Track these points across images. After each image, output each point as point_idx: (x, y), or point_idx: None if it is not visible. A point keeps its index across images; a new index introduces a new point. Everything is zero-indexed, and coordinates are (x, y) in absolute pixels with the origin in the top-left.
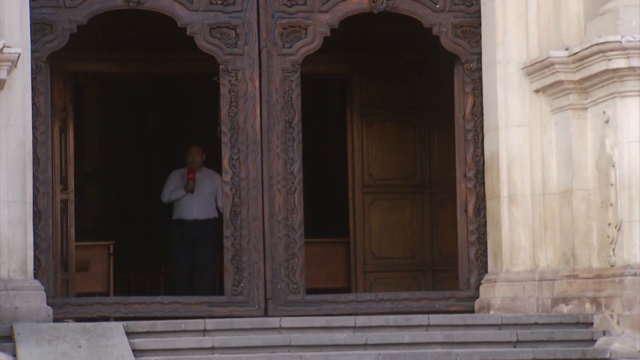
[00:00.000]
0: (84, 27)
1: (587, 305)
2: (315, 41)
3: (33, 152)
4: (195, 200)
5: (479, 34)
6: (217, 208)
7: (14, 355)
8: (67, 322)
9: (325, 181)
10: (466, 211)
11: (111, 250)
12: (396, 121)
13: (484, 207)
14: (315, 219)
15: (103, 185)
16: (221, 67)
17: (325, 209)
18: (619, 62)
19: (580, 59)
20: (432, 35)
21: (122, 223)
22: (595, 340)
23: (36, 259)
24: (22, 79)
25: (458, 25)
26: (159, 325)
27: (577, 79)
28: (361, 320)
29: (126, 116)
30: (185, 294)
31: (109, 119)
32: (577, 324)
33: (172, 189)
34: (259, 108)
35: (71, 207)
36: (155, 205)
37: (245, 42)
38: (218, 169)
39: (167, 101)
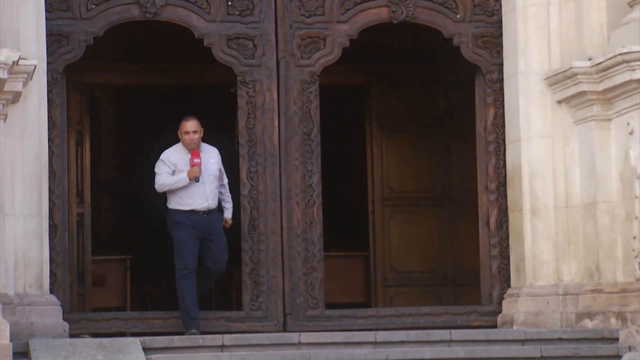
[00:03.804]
0: (100, 39)
1: (612, 320)
2: (334, 52)
3: (49, 165)
4: (206, 186)
5: (500, 44)
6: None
7: None
8: (84, 337)
9: (344, 194)
10: (488, 224)
11: (128, 265)
12: (416, 132)
13: (506, 220)
14: (334, 232)
15: (119, 197)
16: (239, 78)
17: (345, 222)
18: None
19: (604, 69)
20: (453, 46)
21: (138, 236)
22: (621, 357)
23: (52, 273)
24: (38, 91)
25: (479, 35)
26: (177, 340)
27: (600, 89)
28: (382, 335)
29: (142, 128)
30: (192, 300)
31: (125, 131)
32: (602, 339)
33: (170, 176)
34: (277, 120)
35: (87, 221)
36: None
37: (262, 53)
38: (233, 179)
39: (184, 113)
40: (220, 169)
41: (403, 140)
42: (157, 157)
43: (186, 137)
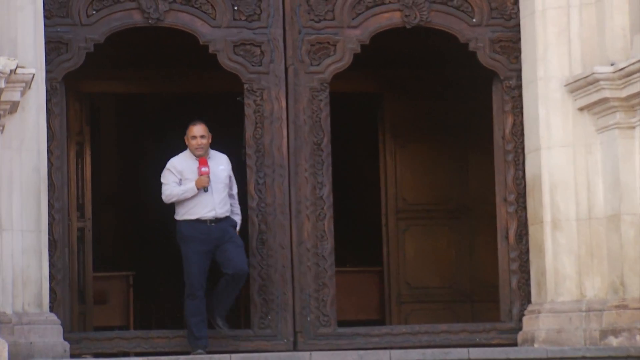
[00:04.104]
0: (101, 46)
1: (638, 338)
2: (345, 58)
3: (48, 178)
4: (214, 194)
5: (518, 50)
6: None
7: None
8: (85, 357)
9: (356, 206)
10: (507, 237)
11: (131, 281)
12: (430, 142)
13: (526, 233)
14: (346, 246)
15: (121, 211)
16: (245, 86)
17: (357, 236)
18: None
19: (627, 74)
20: (469, 51)
21: (142, 251)
22: None
23: (52, 291)
24: (36, 100)
25: (496, 40)
26: None
27: (623, 96)
28: (396, 354)
29: (145, 138)
30: (196, 319)
31: (127, 141)
32: (628, 357)
33: (177, 186)
34: (286, 129)
35: (88, 236)
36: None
37: (270, 59)
38: (240, 192)
39: (188, 122)
40: (230, 177)
41: (417, 150)
42: (161, 168)
43: (193, 142)
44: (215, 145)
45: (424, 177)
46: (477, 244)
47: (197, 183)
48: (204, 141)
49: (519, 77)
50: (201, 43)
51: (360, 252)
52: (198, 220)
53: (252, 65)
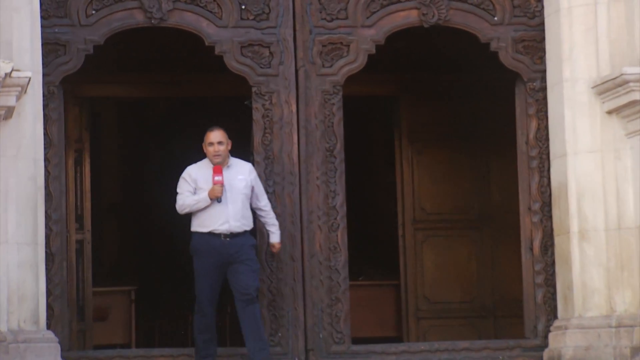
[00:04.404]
0: (101, 48)
1: None
2: (359, 59)
3: (45, 187)
4: (229, 205)
5: (543, 50)
6: (256, 211)
7: None
8: None
9: (371, 216)
10: (531, 249)
11: (133, 296)
12: (450, 148)
13: (552, 244)
14: (360, 259)
15: (124, 222)
16: (253, 89)
17: (372, 248)
18: None
19: None
20: (490, 52)
21: (145, 265)
22: None
23: (49, 307)
24: (32, 105)
25: (519, 39)
26: None
27: None
28: None
29: (149, 145)
30: (203, 337)
31: (130, 148)
32: None
33: (191, 195)
34: (297, 135)
35: (88, 248)
36: (184, 244)
37: (280, 61)
38: None
39: (194, 127)
40: (252, 187)
41: (436, 156)
42: (166, 176)
43: (210, 148)
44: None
45: (443, 185)
46: (500, 255)
47: (210, 193)
48: (222, 148)
49: (543, 79)
50: (207, 44)
51: (375, 265)
52: (211, 234)
53: (261, 67)
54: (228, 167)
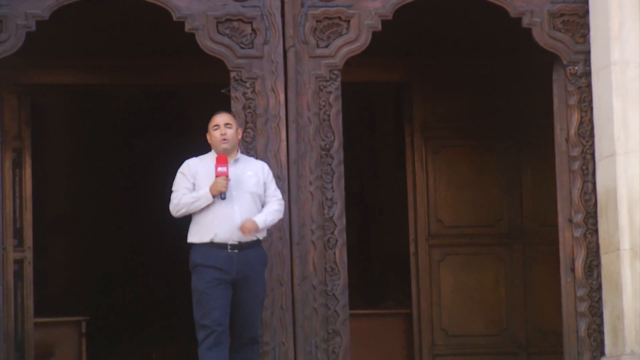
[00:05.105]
0: (47, 25)
1: None
2: (361, 38)
3: None
4: (235, 206)
5: (586, 26)
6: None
7: None
8: None
9: (376, 230)
10: (573, 270)
11: (83, 329)
12: (472, 146)
13: (598, 264)
14: (364, 282)
15: (74, 238)
16: (232, 74)
17: (378, 269)
18: None
19: None
20: (522, 28)
21: (100, 291)
22: None
23: None
24: None
25: (557, 13)
26: None
27: None
28: None
29: (106, 143)
30: None
31: (82, 147)
32: None
33: (189, 193)
34: (285, 130)
35: (29, 270)
36: (148, 263)
37: (264, 40)
38: None
39: (161, 122)
40: (264, 185)
41: (456, 157)
42: (132, 179)
43: (216, 132)
44: (196, 150)
45: (464, 192)
46: (534, 278)
47: (212, 188)
48: (230, 131)
49: (587, 62)
50: (175, 19)
51: (382, 290)
52: (213, 244)
53: (242, 48)
54: (236, 160)
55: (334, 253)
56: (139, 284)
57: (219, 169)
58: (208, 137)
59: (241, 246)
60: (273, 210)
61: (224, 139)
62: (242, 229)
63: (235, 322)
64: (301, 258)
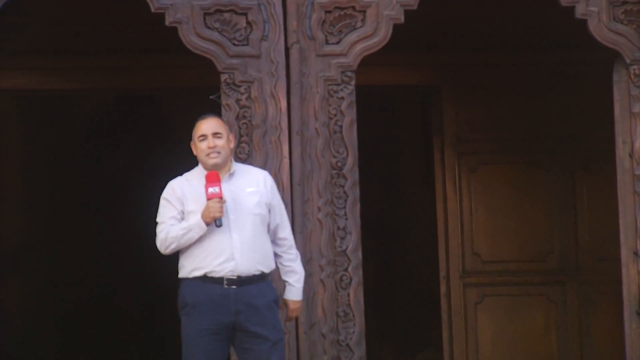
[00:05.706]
0: (1, 17)
1: None
2: (380, 33)
3: None
4: (233, 233)
5: None
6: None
7: None
8: None
9: (400, 265)
10: (639, 313)
11: None
12: (516, 162)
13: None
14: (384, 328)
15: (31, 275)
16: (223, 77)
17: (402, 312)
18: None
19: None
20: (575, 20)
21: (64, 339)
22: None
23: None
24: None
25: (618, 2)
26: None
27: None
28: None
29: (72, 160)
30: None
31: (41, 165)
32: None
33: (178, 224)
34: (288, 145)
35: None
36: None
37: (262, 35)
38: None
39: (138, 133)
40: (267, 205)
41: (495, 176)
42: (98, 203)
43: (203, 144)
44: (183, 167)
45: (506, 219)
46: (592, 322)
47: (204, 214)
48: (220, 142)
49: None
50: (153, 11)
51: (407, 337)
52: (206, 278)
53: (235, 45)
54: (230, 174)
55: (348, 294)
56: (114, 328)
57: (210, 189)
58: (193, 147)
59: (240, 281)
60: (300, 270)
61: (213, 153)
62: (293, 313)
63: None
64: (308, 301)
